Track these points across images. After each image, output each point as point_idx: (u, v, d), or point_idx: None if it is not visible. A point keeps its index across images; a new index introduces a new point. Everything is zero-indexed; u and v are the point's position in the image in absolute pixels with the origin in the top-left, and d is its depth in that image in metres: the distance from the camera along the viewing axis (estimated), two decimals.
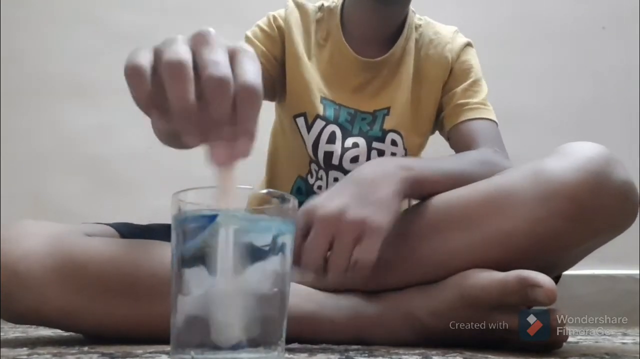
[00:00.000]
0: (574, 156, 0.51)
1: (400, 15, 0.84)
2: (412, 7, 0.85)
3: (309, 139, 0.79)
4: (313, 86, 0.80)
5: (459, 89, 0.84)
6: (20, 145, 1.26)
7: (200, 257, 0.34)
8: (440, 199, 0.57)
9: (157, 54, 0.34)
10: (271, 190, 0.37)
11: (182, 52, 0.33)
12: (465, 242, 0.53)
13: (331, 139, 0.79)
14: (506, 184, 0.53)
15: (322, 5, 0.86)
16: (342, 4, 0.85)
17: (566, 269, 0.58)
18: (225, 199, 0.35)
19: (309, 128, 0.79)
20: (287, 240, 0.36)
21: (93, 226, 0.59)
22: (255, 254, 0.34)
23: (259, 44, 0.80)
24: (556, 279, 0.52)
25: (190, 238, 0.34)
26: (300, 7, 0.84)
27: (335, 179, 0.78)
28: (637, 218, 0.52)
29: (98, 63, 1.26)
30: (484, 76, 0.86)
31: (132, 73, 0.33)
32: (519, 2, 1.22)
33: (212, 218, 0.34)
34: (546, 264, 0.52)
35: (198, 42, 0.34)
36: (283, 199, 0.36)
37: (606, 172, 0.49)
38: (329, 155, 0.79)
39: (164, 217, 0.42)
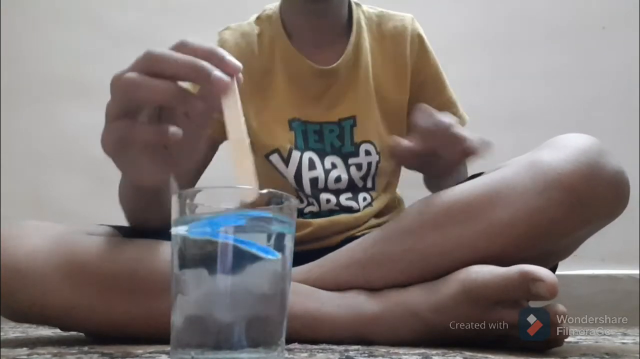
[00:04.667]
0: (569, 147, 0.53)
1: (339, 10, 0.79)
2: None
3: (289, 171, 0.75)
4: (278, 114, 0.76)
5: (440, 95, 0.82)
6: (20, 145, 1.26)
7: (201, 258, 0.34)
8: (441, 194, 0.58)
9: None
10: (271, 190, 0.36)
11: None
12: (467, 235, 0.53)
13: (312, 165, 0.75)
14: (505, 177, 0.54)
15: (258, 17, 0.81)
16: (280, 13, 0.80)
17: (563, 257, 0.59)
18: (235, 127, 0.37)
19: (287, 161, 0.75)
20: (287, 240, 0.36)
21: (95, 227, 0.60)
22: (255, 254, 0.34)
23: None
24: (552, 270, 0.53)
25: (190, 238, 0.34)
26: (235, 31, 0.79)
27: (328, 201, 0.75)
28: (638, 217, 0.53)
29: (98, 63, 1.26)
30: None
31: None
32: (519, 2, 1.22)
33: (212, 218, 0.34)
34: (544, 251, 0.54)
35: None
36: (283, 199, 0.36)
37: (600, 163, 0.51)
38: (314, 181, 0.74)
39: None
